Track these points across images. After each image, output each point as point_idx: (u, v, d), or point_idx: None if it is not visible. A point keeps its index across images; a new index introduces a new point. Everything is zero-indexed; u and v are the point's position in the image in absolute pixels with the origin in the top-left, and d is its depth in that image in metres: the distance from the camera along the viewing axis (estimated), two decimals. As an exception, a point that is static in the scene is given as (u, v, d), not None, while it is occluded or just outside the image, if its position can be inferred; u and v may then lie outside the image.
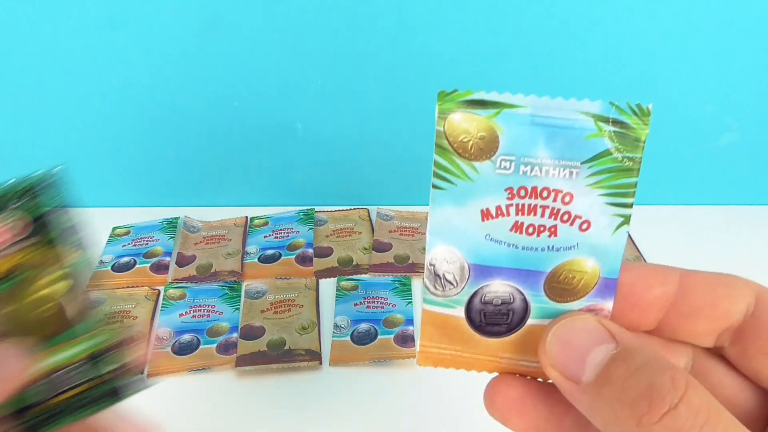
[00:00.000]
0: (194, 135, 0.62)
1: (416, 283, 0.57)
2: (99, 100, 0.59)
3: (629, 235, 0.63)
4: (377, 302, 0.54)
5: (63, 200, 0.26)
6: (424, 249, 0.60)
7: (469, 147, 0.20)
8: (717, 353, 0.21)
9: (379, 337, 0.51)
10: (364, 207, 0.66)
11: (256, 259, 0.59)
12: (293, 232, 0.62)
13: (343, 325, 0.52)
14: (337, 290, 0.56)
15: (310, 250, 0.60)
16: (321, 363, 0.50)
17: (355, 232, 0.63)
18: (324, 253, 0.60)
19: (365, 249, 0.61)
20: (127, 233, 0.62)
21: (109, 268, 0.58)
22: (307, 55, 0.56)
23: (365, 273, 0.58)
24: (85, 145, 0.62)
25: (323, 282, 0.57)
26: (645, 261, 0.60)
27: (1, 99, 0.59)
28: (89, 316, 0.26)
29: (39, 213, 0.25)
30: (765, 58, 0.57)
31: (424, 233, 0.62)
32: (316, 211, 0.65)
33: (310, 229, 0.62)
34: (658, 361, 0.17)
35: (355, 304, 0.54)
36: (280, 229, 0.63)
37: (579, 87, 0.58)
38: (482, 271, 0.21)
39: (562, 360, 0.19)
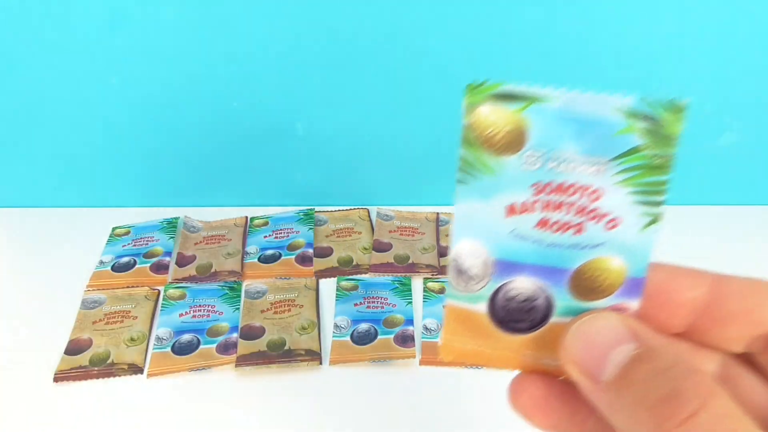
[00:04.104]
0: (194, 135, 0.62)
1: (416, 283, 0.57)
2: (99, 100, 0.59)
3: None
4: (377, 302, 0.55)
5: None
6: (425, 249, 0.60)
7: (496, 141, 0.19)
8: (748, 359, 0.20)
9: (379, 337, 0.51)
10: (364, 207, 0.66)
11: (256, 259, 0.59)
12: (293, 232, 0.62)
13: (343, 325, 0.52)
14: (337, 290, 0.56)
15: (310, 250, 0.60)
16: (321, 363, 0.50)
17: (355, 232, 0.63)
18: (324, 253, 0.60)
19: (365, 249, 0.61)
20: (127, 233, 0.62)
21: (109, 268, 0.58)
22: (307, 54, 0.56)
23: (365, 273, 0.58)
24: (86, 145, 0.62)
25: (323, 282, 0.57)
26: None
27: (1, 99, 0.59)
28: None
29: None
30: (765, 58, 0.57)
31: (424, 233, 0.62)
32: (316, 211, 0.65)
33: (310, 229, 0.62)
34: (682, 364, 0.17)
35: (355, 304, 0.54)
36: (280, 229, 0.63)
37: (578, 86, 0.58)
38: (506, 266, 0.20)
39: (583, 357, 0.18)
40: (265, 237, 0.62)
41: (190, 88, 0.58)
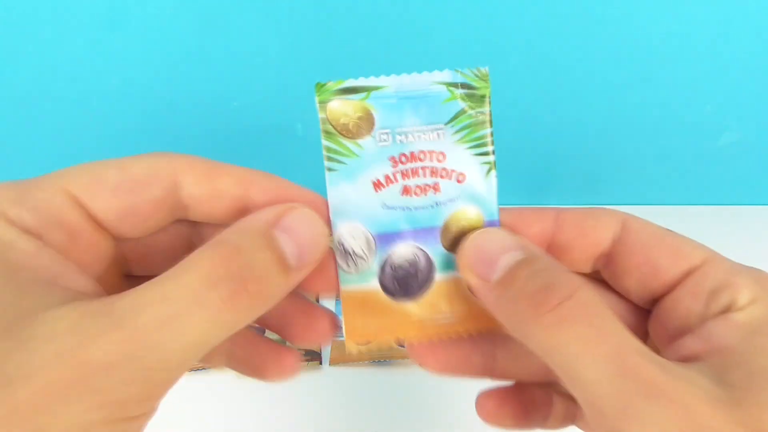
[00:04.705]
0: (194, 135, 0.62)
1: (416, 283, 0.57)
2: (99, 100, 0.59)
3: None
4: (377, 302, 0.54)
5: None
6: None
7: (350, 127, 0.22)
8: (598, 277, 0.24)
9: (379, 337, 0.51)
10: (364, 207, 0.66)
11: (256, 259, 0.59)
12: (293, 232, 0.62)
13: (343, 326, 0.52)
14: (337, 290, 0.56)
15: (310, 250, 0.59)
16: (321, 363, 0.50)
17: (355, 232, 0.63)
18: (324, 253, 0.60)
19: (365, 249, 0.60)
20: (127, 233, 0.62)
21: (109, 268, 0.57)
22: (306, 54, 0.56)
23: (365, 273, 0.58)
24: (86, 145, 0.62)
25: (323, 282, 0.57)
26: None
27: (1, 99, 0.59)
28: None
29: None
30: (765, 58, 0.57)
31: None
32: (316, 211, 0.65)
33: (310, 229, 0.62)
34: (558, 266, 0.20)
35: (355, 304, 0.54)
36: (280, 229, 0.62)
37: (578, 87, 0.58)
38: (385, 238, 0.23)
39: (476, 262, 0.21)
40: (265, 237, 0.61)
41: (189, 87, 0.58)
